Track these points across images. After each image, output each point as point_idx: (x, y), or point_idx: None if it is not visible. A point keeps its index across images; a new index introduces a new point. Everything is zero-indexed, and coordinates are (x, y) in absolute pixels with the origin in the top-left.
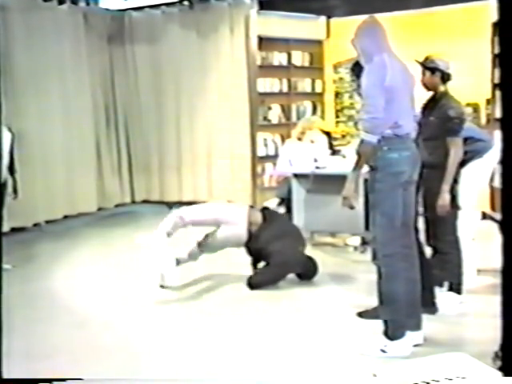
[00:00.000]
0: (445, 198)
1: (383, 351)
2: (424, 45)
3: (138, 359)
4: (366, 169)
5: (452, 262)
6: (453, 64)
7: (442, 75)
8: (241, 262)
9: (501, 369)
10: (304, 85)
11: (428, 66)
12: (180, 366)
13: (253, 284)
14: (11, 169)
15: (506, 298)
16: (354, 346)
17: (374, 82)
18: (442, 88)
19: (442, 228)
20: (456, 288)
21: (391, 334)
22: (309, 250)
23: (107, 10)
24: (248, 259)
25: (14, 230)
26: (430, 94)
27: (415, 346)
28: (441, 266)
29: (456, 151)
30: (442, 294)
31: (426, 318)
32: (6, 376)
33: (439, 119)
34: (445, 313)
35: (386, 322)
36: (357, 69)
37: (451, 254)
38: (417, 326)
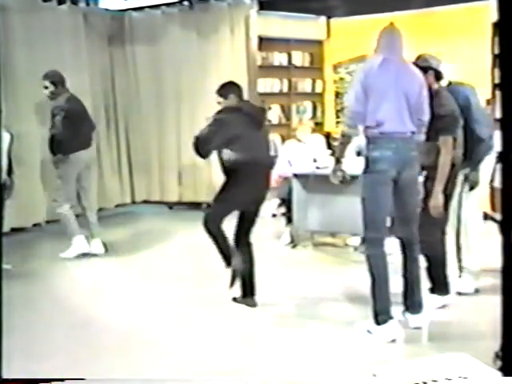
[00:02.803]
0: (438, 199)
1: (369, 332)
2: (424, 45)
3: (138, 359)
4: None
5: (437, 263)
6: (449, 64)
7: (435, 74)
8: None
9: (501, 369)
10: (304, 85)
11: (421, 65)
12: (179, 366)
13: None
14: (9, 170)
15: (506, 298)
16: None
17: (357, 78)
18: (435, 86)
19: (428, 227)
20: (441, 289)
21: (376, 319)
22: (310, 251)
23: (107, 10)
24: None
25: (14, 230)
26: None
27: (416, 328)
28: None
29: (447, 151)
30: (426, 295)
31: (426, 319)
32: (5, 376)
33: (432, 118)
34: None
35: (374, 309)
36: None
37: (437, 255)
38: (418, 308)
